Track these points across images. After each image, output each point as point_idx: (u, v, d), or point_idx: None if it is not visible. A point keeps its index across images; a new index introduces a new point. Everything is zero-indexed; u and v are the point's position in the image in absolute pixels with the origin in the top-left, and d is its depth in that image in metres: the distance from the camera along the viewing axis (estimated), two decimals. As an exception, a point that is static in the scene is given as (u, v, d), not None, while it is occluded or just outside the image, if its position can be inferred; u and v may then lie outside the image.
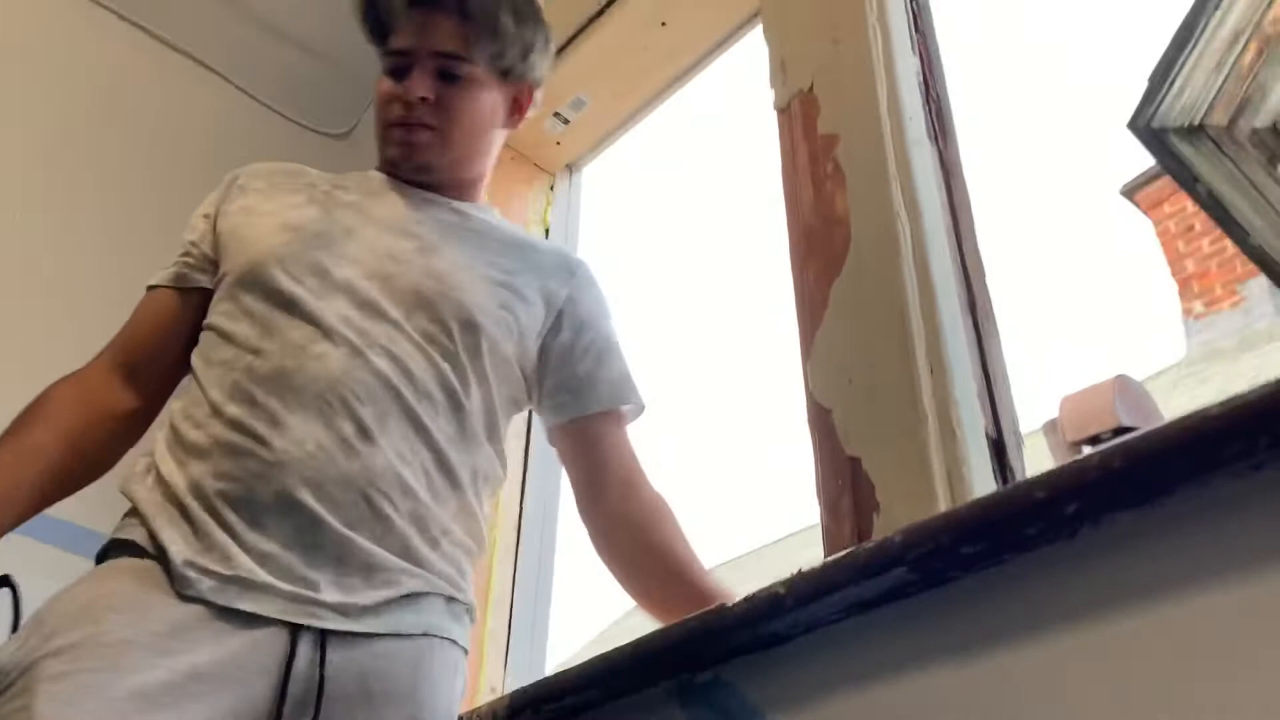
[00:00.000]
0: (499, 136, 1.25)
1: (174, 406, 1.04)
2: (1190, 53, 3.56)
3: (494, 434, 1.11)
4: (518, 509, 1.66)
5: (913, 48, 1.18)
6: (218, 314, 1.07)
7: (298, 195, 1.16)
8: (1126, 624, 0.67)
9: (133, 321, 1.15)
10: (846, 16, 1.17)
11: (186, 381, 1.08)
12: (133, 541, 0.94)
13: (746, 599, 0.84)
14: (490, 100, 1.19)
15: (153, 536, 0.93)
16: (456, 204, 1.20)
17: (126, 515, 0.98)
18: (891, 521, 0.82)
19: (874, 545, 0.76)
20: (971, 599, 0.74)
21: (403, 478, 1.00)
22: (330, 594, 0.93)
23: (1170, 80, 3.60)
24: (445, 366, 1.07)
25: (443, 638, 0.99)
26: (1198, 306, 7.36)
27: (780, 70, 1.23)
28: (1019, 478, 0.89)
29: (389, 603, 0.96)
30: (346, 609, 0.93)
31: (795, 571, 0.81)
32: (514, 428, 1.67)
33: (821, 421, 0.93)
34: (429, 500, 1.02)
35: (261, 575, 0.91)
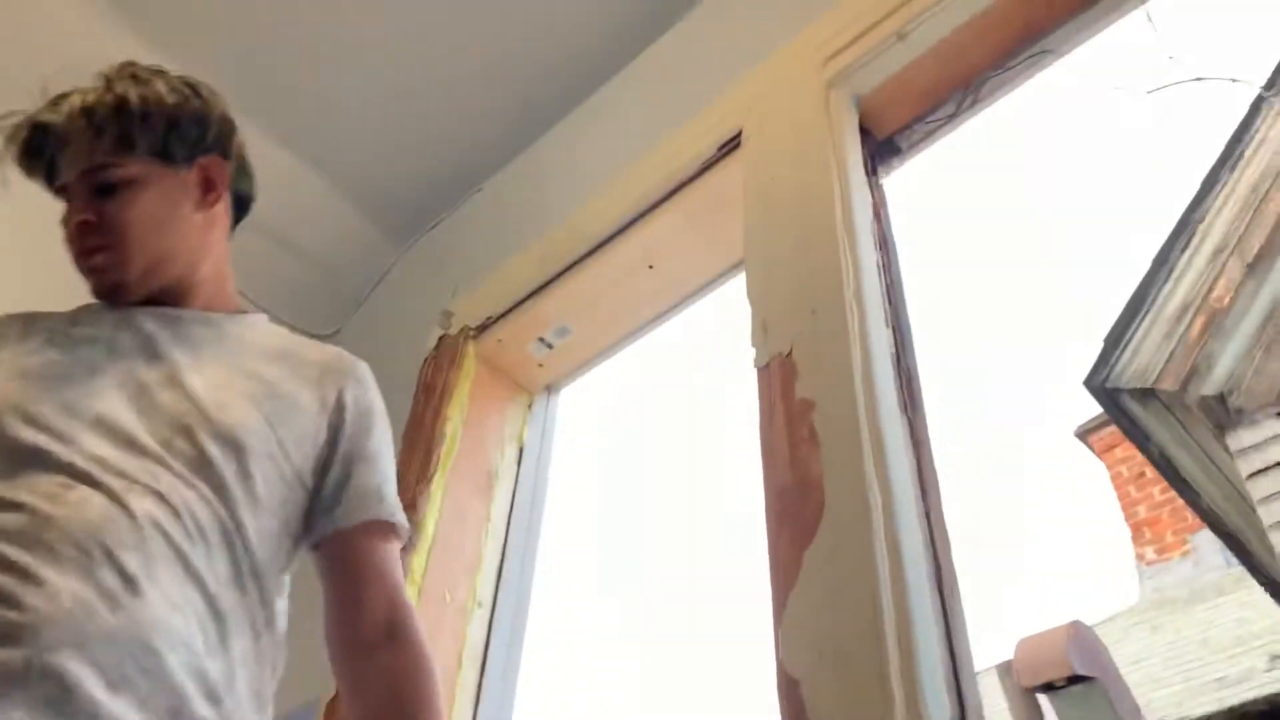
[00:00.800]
0: (197, 223, 1.18)
1: None
2: (1142, 321, 3.76)
3: (272, 571, 1.04)
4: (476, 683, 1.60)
5: (886, 320, 1.25)
6: None
7: (33, 340, 1.09)
8: None
9: None
10: (824, 288, 1.25)
11: None
12: None
13: None
14: (160, 193, 1.14)
15: None
16: (208, 315, 1.16)
17: None
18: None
19: (839, 836, 0.75)
20: None
21: (175, 629, 0.92)
22: None
23: (1123, 345, 3.79)
24: (214, 499, 1.00)
25: None
26: (1149, 553, 7.45)
27: (761, 330, 1.30)
28: (977, 757, 0.89)
29: None
30: None
31: None
32: (470, 648, 1.65)
33: (791, 693, 0.93)
34: (205, 652, 0.94)
35: None
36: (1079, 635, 4.28)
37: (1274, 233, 3.62)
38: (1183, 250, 3.75)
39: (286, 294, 2.56)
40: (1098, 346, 3.74)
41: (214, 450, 1.01)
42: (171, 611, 0.92)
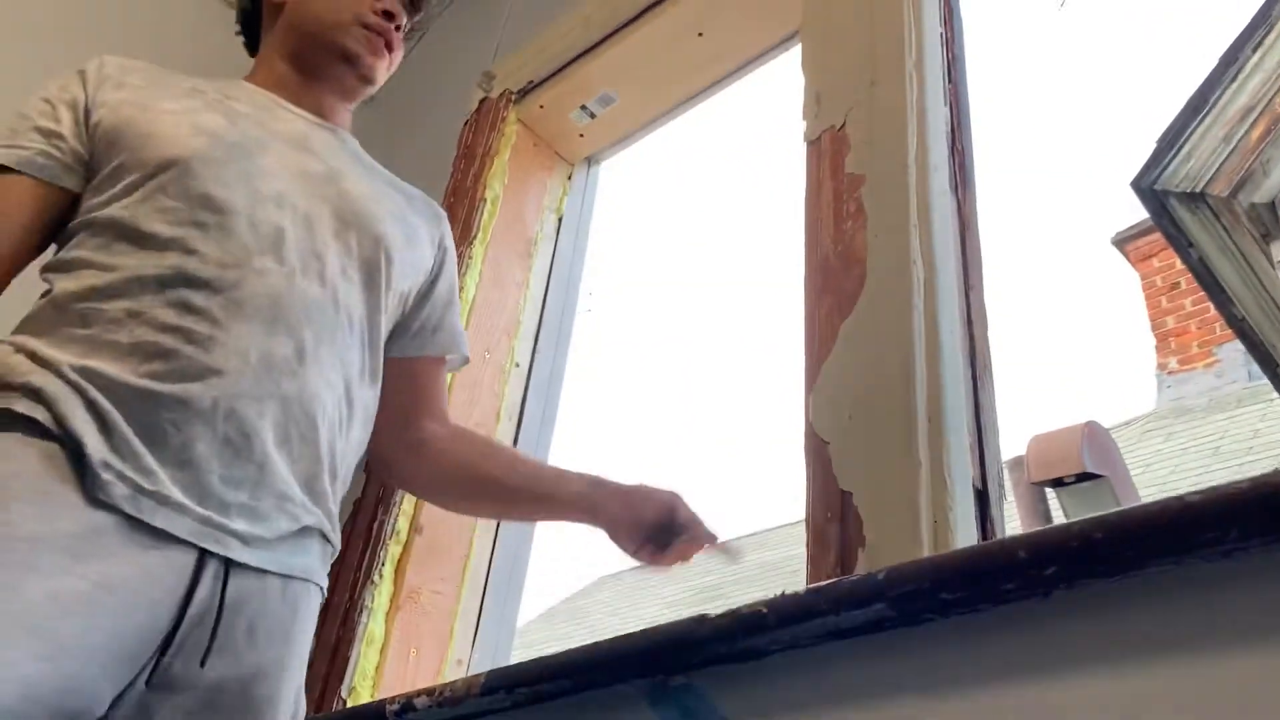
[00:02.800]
0: None
1: (58, 295, 0.98)
2: (1201, 122, 3.62)
3: (379, 372, 1.14)
4: (513, 436, 1.68)
5: (944, 98, 1.22)
6: (119, 209, 1.01)
7: (191, 99, 1.12)
8: (1090, 685, 0.72)
9: None
10: (885, 59, 1.21)
11: (55, 275, 1.01)
12: (29, 418, 0.89)
13: (729, 613, 0.88)
14: None
15: (59, 421, 0.89)
16: (339, 131, 1.22)
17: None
18: (876, 558, 0.86)
19: (858, 578, 0.80)
20: (945, 641, 0.78)
21: (326, 405, 1.02)
22: (239, 522, 0.94)
23: (1178, 146, 3.67)
24: (364, 296, 1.10)
25: (316, 584, 1.03)
26: (1173, 363, 7.49)
27: (814, 103, 1.26)
28: (999, 530, 0.93)
29: (284, 538, 0.98)
30: (250, 539, 0.95)
31: (779, 593, 0.86)
32: (507, 405, 1.71)
33: (818, 452, 0.97)
34: (340, 432, 1.06)
35: (176, 494, 0.91)
36: (1093, 434, 4.37)
37: (1356, 35, 3.41)
38: (1255, 48, 3.55)
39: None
40: (1149, 150, 3.62)
41: (370, 253, 1.11)
42: (326, 388, 1.02)
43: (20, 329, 0.98)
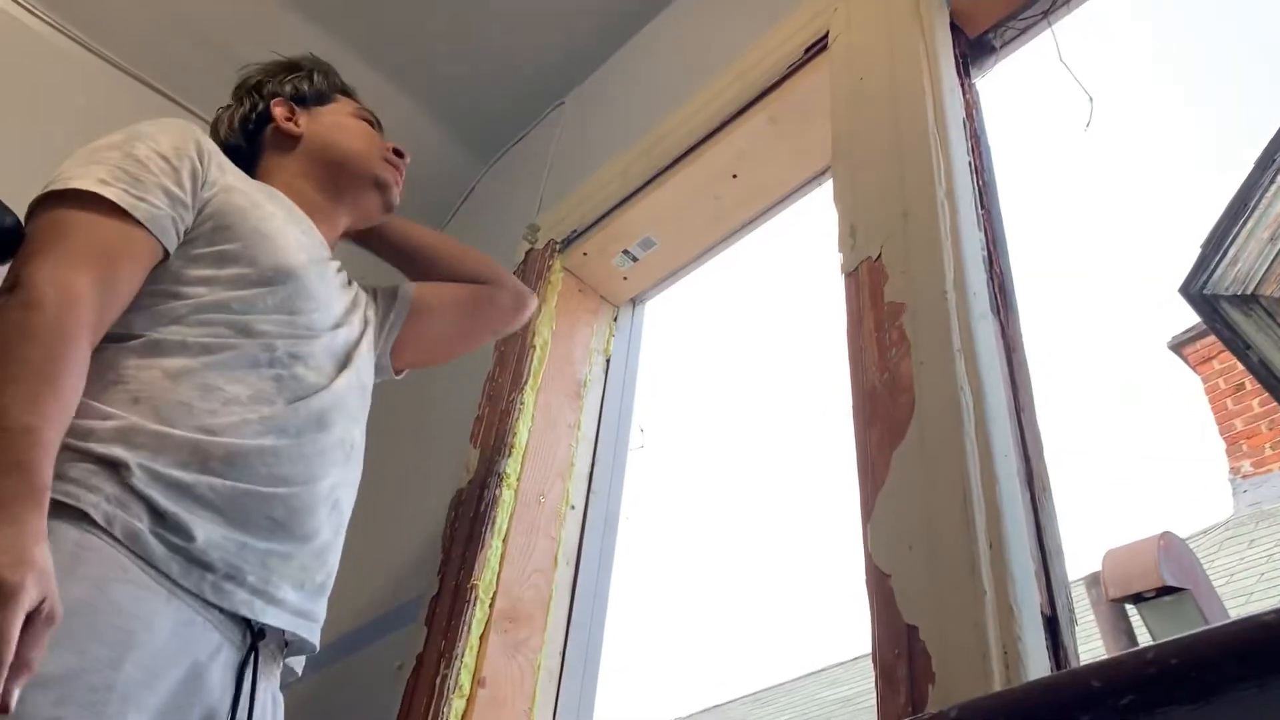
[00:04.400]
0: None
1: (148, 382, 1.00)
2: (1244, 224, 3.63)
3: None
4: (564, 630, 1.67)
5: (978, 223, 1.24)
6: (230, 298, 1.09)
7: (274, 205, 1.25)
8: (1179, 821, 0.68)
9: (119, 260, 1.02)
10: (916, 190, 1.24)
11: (136, 345, 1.03)
12: (115, 535, 0.91)
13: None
14: None
15: (176, 529, 0.94)
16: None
17: (78, 479, 0.90)
18: (946, 694, 0.84)
19: (929, 718, 0.78)
20: (1024, 780, 0.75)
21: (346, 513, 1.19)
22: (310, 614, 1.09)
23: (1224, 249, 3.67)
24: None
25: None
26: (1246, 466, 7.26)
27: (849, 236, 1.29)
28: (1071, 657, 0.90)
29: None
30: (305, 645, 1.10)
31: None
32: (565, 549, 1.70)
33: (880, 586, 0.95)
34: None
35: (282, 590, 1.04)
36: (1170, 546, 4.22)
37: (1390, 130, 3.42)
38: (1291, 150, 3.56)
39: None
40: (1194, 254, 3.61)
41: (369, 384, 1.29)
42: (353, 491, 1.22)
43: (110, 390, 0.99)
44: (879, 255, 1.23)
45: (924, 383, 1.06)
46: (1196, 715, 0.68)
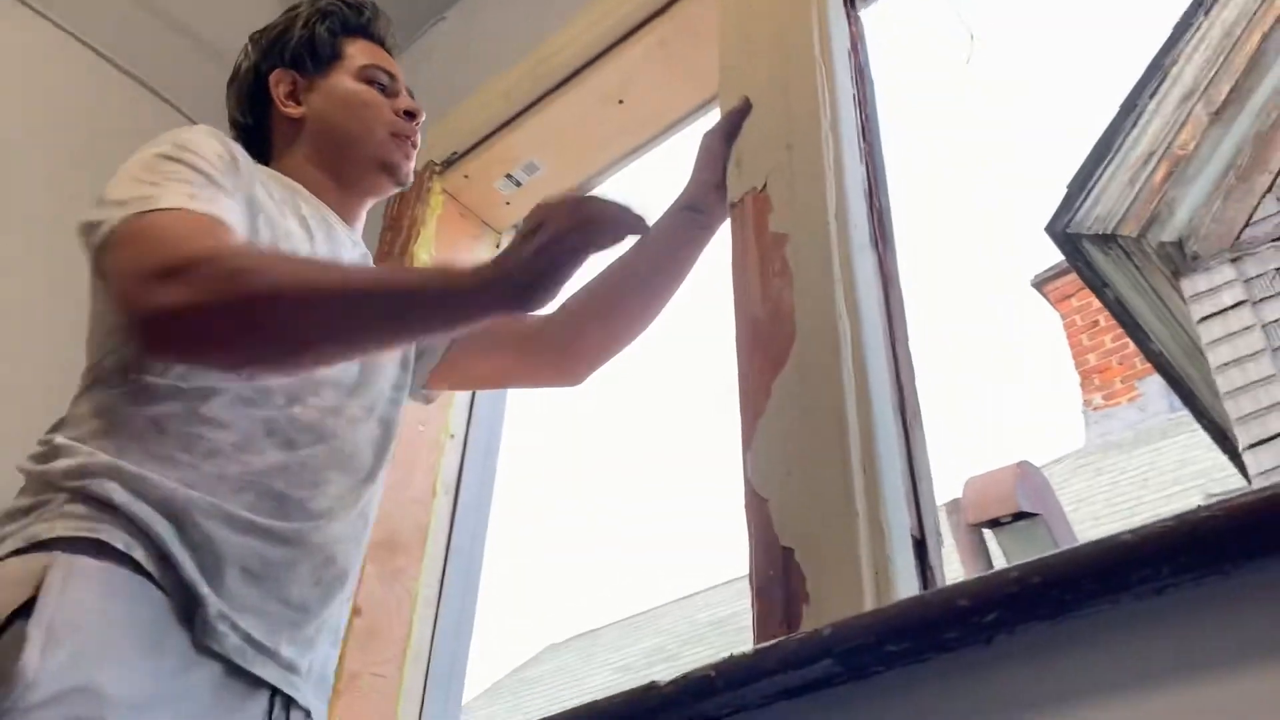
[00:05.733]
0: None
1: (156, 412, 0.92)
2: (1107, 167, 3.80)
3: None
4: (442, 559, 1.66)
5: (860, 156, 1.25)
6: None
7: (292, 220, 1.11)
8: (1034, 728, 0.72)
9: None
10: (801, 122, 1.24)
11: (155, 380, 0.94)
12: (131, 558, 0.84)
13: (678, 680, 0.87)
14: None
15: (165, 561, 0.85)
16: (364, 249, 1.26)
17: (88, 511, 0.85)
18: (820, 613, 0.86)
19: (804, 636, 0.80)
20: (892, 693, 0.78)
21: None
22: (304, 663, 0.95)
23: (1087, 190, 3.84)
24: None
25: None
26: (1097, 399, 7.69)
27: (735, 166, 1.29)
28: (938, 578, 0.94)
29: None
30: (307, 679, 0.96)
31: (726, 656, 0.85)
32: (444, 479, 1.69)
33: (759, 510, 0.97)
34: None
35: (275, 640, 0.92)
36: (1026, 474, 4.45)
37: (1242, 78, 3.61)
38: (1151, 96, 3.73)
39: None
40: (1060, 194, 3.76)
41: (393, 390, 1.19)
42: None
43: (100, 437, 0.91)
44: (764, 186, 1.23)
45: (804, 312, 1.08)
46: (1056, 630, 0.72)
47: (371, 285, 0.95)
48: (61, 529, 0.84)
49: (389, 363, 1.13)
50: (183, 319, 0.85)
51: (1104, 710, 0.70)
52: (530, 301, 0.91)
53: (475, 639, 1.62)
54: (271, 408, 0.97)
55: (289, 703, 0.93)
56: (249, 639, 0.89)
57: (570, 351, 1.29)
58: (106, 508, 0.85)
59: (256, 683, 0.90)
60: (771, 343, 1.09)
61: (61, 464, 0.89)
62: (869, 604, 0.85)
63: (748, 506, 0.99)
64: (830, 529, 0.91)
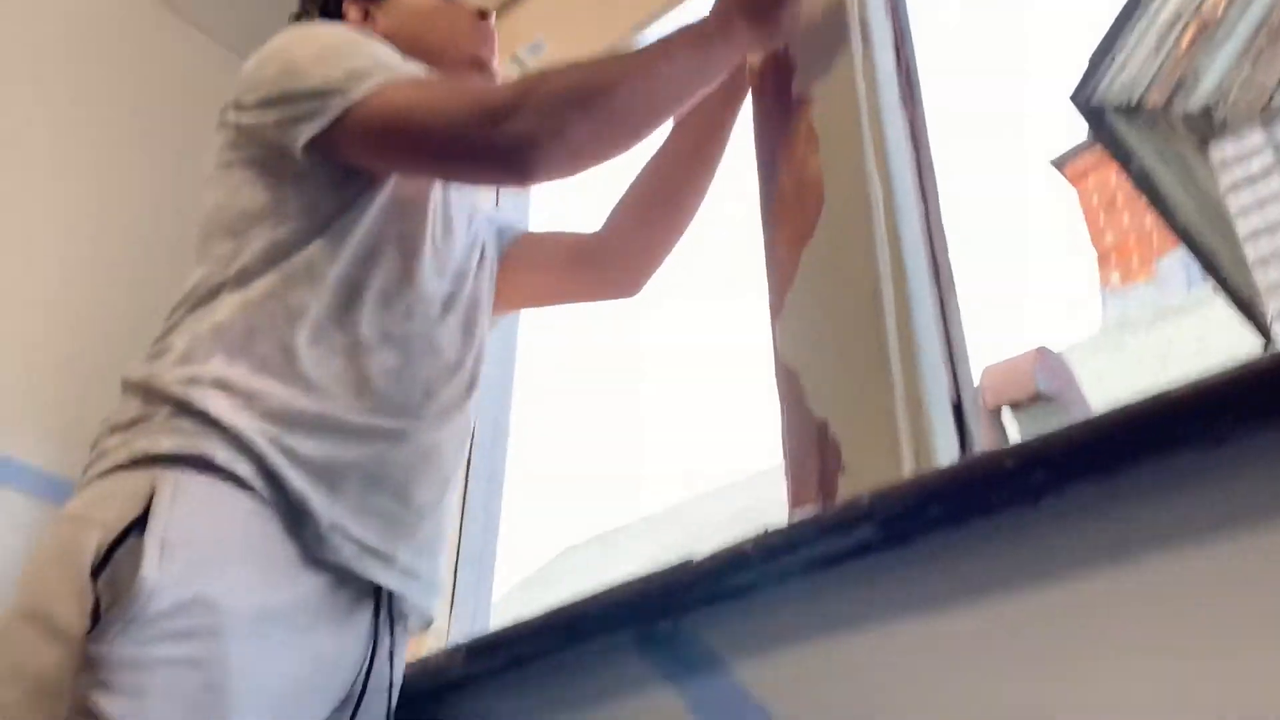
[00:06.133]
0: None
1: (268, 316, 0.90)
2: (1131, 34, 3.66)
3: None
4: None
5: (886, 11, 1.19)
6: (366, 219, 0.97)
7: None
8: (1082, 587, 0.71)
9: None
10: (823, -23, 1.17)
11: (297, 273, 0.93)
12: (235, 475, 0.83)
13: (712, 555, 0.86)
14: None
15: (272, 476, 0.83)
16: None
17: (193, 426, 0.83)
18: (856, 483, 0.84)
19: (843, 504, 0.78)
20: (934, 559, 0.77)
21: None
22: (421, 571, 0.95)
23: (1111, 59, 3.71)
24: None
25: None
26: (1114, 278, 7.61)
27: (754, 28, 1.22)
28: (976, 444, 0.92)
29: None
30: (429, 589, 0.98)
31: (762, 530, 0.83)
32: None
33: (790, 383, 0.94)
34: None
35: (393, 546, 0.91)
36: (1044, 358, 4.43)
37: (1274, -64, 3.44)
38: (1178, -43, 3.56)
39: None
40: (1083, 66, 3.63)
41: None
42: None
43: (210, 346, 0.89)
44: (786, 48, 1.17)
45: (833, 177, 1.03)
46: (1106, 488, 0.70)
47: (651, 56, 1.00)
48: (167, 444, 0.83)
49: (474, 278, 1.11)
50: (540, 144, 0.92)
51: (1156, 566, 0.68)
52: (766, 20, 1.00)
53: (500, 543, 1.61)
54: (386, 312, 0.95)
55: (392, 612, 0.93)
56: (363, 546, 0.88)
57: (626, 257, 1.24)
58: (211, 423, 0.84)
59: (365, 591, 0.90)
60: (798, 212, 1.05)
61: (168, 375, 0.87)
62: (908, 473, 0.82)
63: (779, 382, 0.97)
64: (866, 399, 0.88)
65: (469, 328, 1.06)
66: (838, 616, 0.82)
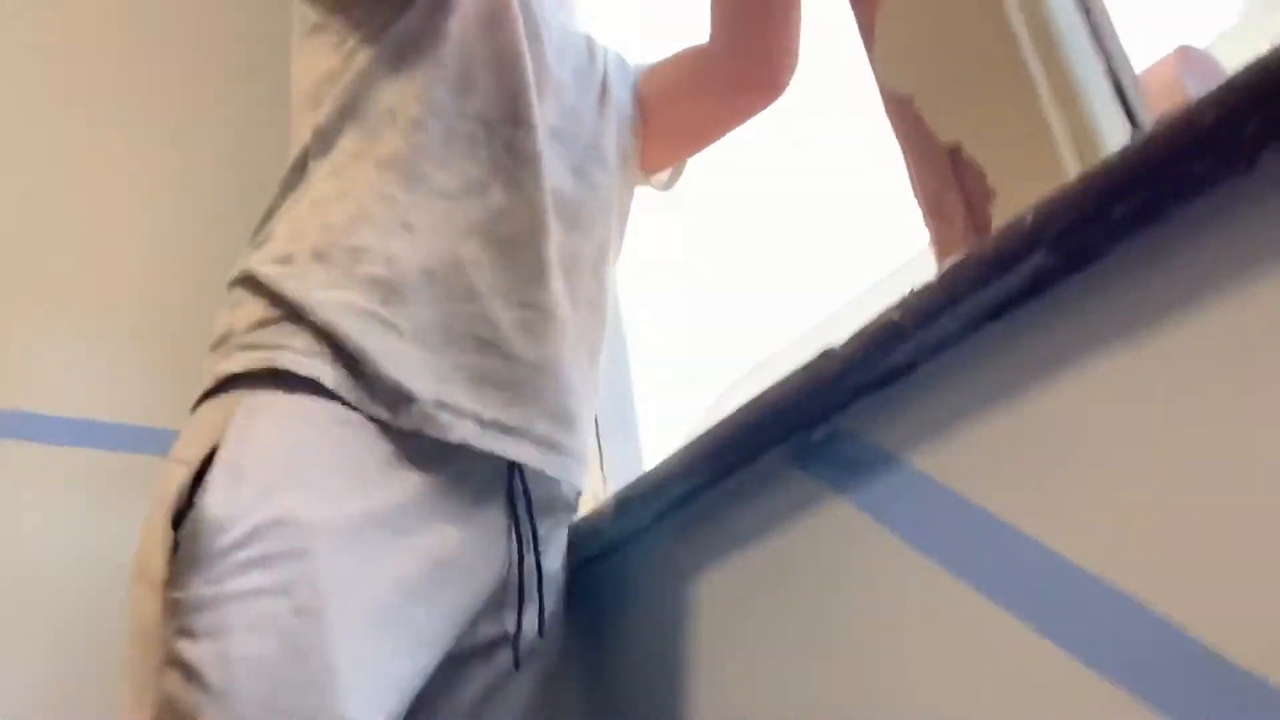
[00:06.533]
0: None
1: (364, 165, 0.83)
2: None
3: None
4: None
5: None
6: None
7: None
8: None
9: None
10: None
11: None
12: (312, 381, 0.75)
13: (855, 335, 0.72)
14: None
15: (354, 364, 0.76)
16: None
17: (268, 338, 0.77)
18: (1013, 205, 0.68)
19: (1000, 234, 0.62)
20: (1126, 274, 0.60)
21: None
22: (564, 443, 0.86)
23: None
24: None
25: None
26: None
27: None
28: (1144, 126, 0.73)
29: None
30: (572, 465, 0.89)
31: (907, 292, 0.69)
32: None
33: (904, 115, 0.78)
34: None
35: (508, 416, 0.81)
36: (1190, 59, 3.98)
37: None
38: None
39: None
40: None
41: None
42: None
43: (306, 220, 0.82)
44: None
45: None
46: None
47: None
48: (241, 362, 0.76)
49: (597, 116, 0.99)
50: None
51: None
52: None
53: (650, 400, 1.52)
54: (485, 146, 0.86)
55: (529, 496, 0.84)
56: (481, 420, 0.79)
57: (755, 53, 1.03)
58: (294, 313, 0.77)
59: (491, 476, 0.82)
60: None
61: (266, 265, 0.80)
62: (1073, 175, 0.66)
63: (890, 115, 0.80)
64: (1000, 101, 0.71)
65: (581, 173, 0.94)
66: (1019, 374, 0.66)
